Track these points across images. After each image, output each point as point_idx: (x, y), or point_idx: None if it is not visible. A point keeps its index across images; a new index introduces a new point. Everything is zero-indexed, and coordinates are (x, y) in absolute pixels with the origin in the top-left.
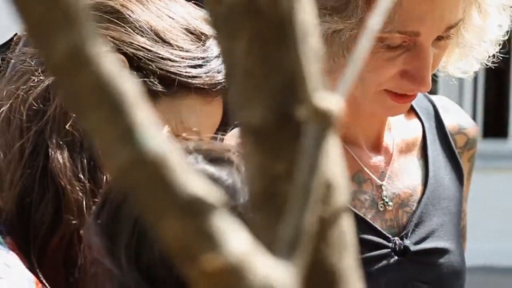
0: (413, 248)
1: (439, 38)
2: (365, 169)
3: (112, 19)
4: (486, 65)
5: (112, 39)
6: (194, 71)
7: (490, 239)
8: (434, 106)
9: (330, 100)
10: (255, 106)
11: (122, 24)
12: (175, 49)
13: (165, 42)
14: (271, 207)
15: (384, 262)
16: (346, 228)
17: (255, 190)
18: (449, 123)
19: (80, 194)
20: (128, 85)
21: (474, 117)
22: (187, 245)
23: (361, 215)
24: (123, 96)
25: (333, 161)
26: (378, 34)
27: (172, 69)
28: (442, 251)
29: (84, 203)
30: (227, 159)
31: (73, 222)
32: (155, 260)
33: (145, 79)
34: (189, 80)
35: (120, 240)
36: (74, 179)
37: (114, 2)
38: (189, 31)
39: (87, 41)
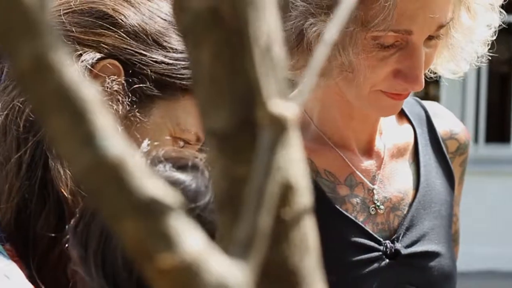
0: (404, 251)
1: (430, 38)
2: (357, 172)
3: (104, 24)
4: (476, 65)
5: (106, 46)
6: (188, 72)
7: (493, 243)
8: (426, 112)
9: (285, 106)
10: (218, 112)
11: (115, 30)
12: (169, 52)
13: (159, 45)
14: (232, 209)
15: (376, 265)
16: (309, 229)
17: (219, 192)
18: (441, 128)
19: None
20: (90, 92)
21: (476, 122)
22: (144, 245)
23: (353, 218)
24: (85, 103)
25: (295, 164)
26: (371, 33)
27: (167, 72)
28: (433, 255)
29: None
30: (194, 165)
31: None
32: (118, 265)
33: (141, 84)
34: (184, 82)
35: (90, 248)
36: (75, 188)
37: (105, 7)
38: None
39: (51, 50)
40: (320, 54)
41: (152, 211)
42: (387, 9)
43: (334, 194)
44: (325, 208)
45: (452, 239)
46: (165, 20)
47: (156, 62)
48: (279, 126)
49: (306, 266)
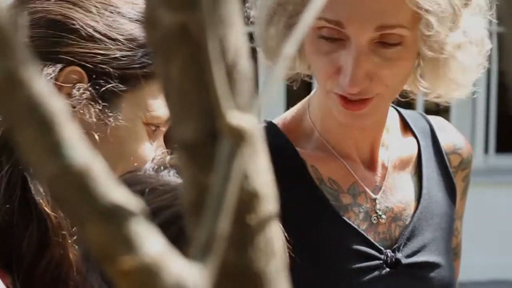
0: (404, 261)
1: (385, 45)
2: (360, 182)
3: (57, 33)
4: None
5: (63, 55)
6: (148, 59)
7: (504, 253)
8: (430, 126)
9: (243, 118)
10: (187, 123)
11: (69, 36)
12: (124, 43)
13: (112, 39)
14: (199, 216)
15: (376, 273)
16: (274, 235)
17: (188, 199)
18: (445, 142)
19: (65, 219)
20: (57, 105)
21: (487, 132)
22: (107, 248)
23: (355, 226)
24: (52, 115)
25: (261, 173)
26: (313, 23)
27: (127, 65)
28: (433, 265)
29: (69, 226)
30: None
31: (60, 245)
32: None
33: (107, 84)
34: (146, 70)
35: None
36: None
37: (54, 15)
38: (134, 19)
39: (20, 65)
40: (283, 63)
41: (115, 216)
42: None
43: (338, 202)
44: (329, 215)
45: (454, 253)
46: (111, 12)
47: (115, 58)
48: (237, 136)
49: (271, 269)
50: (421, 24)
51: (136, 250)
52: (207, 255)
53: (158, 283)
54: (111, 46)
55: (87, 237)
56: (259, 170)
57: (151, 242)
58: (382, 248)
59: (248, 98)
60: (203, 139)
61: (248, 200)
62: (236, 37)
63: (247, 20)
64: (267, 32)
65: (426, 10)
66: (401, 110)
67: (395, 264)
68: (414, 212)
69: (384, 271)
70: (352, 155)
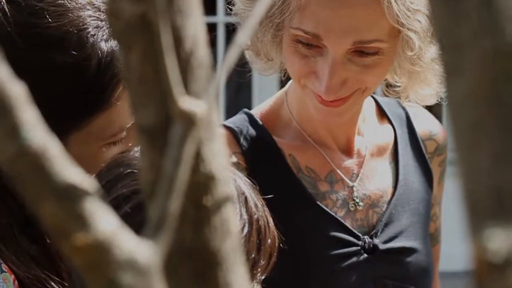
0: (382, 246)
1: (361, 54)
2: (337, 170)
3: None
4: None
5: None
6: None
7: None
8: (406, 113)
9: (195, 103)
10: (147, 109)
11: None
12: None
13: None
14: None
15: (354, 259)
16: (229, 215)
17: (146, 182)
18: (420, 129)
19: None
20: (15, 90)
21: None
22: (62, 225)
23: (333, 214)
24: (11, 99)
25: (217, 156)
26: (291, 30)
27: (90, 95)
28: (410, 250)
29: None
30: None
31: None
32: None
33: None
34: (113, 92)
35: None
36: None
37: None
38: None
39: None
40: (232, 54)
41: (69, 195)
42: (291, 8)
43: (315, 190)
44: (306, 203)
45: (433, 238)
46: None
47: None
48: (188, 121)
49: (227, 248)
50: (401, 41)
51: (89, 227)
52: (159, 233)
53: (110, 259)
54: (77, 89)
55: (43, 215)
56: (215, 154)
57: (104, 220)
58: (360, 235)
59: (204, 84)
60: (161, 124)
61: (204, 182)
62: (195, 26)
63: (229, 9)
64: (254, 36)
65: (408, 29)
66: (377, 97)
67: (373, 250)
68: (391, 198)
69: (361, 257)
70: (329, 144)
